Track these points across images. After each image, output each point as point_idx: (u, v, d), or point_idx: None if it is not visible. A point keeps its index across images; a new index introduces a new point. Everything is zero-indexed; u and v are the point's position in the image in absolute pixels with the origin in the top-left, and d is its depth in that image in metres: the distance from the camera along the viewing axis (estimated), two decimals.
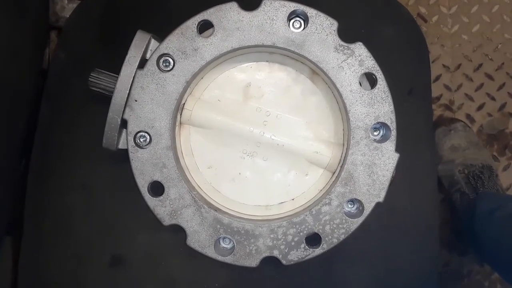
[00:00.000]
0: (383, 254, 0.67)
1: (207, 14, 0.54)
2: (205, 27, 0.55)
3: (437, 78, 1.27)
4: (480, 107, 1.27)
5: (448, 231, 1.20)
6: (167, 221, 0.55)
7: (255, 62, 0.59)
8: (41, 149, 0.68)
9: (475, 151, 1.15)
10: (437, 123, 1.20)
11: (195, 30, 0.54)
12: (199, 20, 0.54)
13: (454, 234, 1.19)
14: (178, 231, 0.55)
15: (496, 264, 0.95)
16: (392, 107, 0.54)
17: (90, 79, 0.57)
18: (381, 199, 0.54)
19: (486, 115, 1.27)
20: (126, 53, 0.54)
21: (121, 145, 0.56)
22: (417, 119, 0.67)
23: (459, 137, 1.16)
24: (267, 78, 0.60)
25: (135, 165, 0.55)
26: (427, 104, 0.69)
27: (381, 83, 0.54)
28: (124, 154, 0.56)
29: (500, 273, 1.01)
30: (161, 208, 0.55)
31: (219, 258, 0.55)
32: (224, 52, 0.54)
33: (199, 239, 0.55)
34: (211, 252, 0.55)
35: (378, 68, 0.54)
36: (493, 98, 1.27)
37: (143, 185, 0.55)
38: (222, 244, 0.56)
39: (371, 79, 0.56)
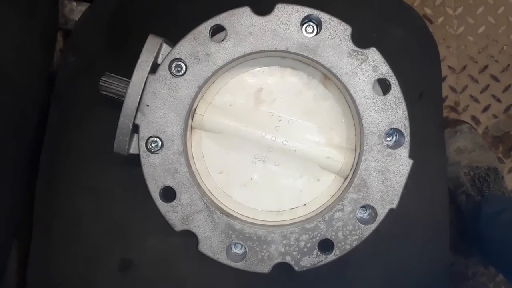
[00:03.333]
0: (394, 258, 0.67)
1: (220, 19, 0.53)
2: (217, 30, 0.55)
3: (443, 79, 1.26)
4: (485, 109, 1.26)
5: (453, 232, 1.20)
6: (179, 226, 0.55)
7: (267, 67, 0.59)
8: (50, 152, 0.68)
9: (480, 153, 1.15)
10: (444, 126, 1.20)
11: (208, 35, 0.54)
12: (211, 25, 0.53)
13: (459, 235, 1.18)
14: (188, 235, 0.55)
15: (501, 266, 0.95)
16: (406, 113, 0.54)
17: (101, 83, 0.57)
18: (394, 205, 0.54)
19: (491, 117, 1.27)
20: (136, 57, 0.53)
21: (132, 150, 0.56)
22: (428, 123, 0.67)
23: (465, 139, 1.16)
24: (279, 83, 0.59)
25: (147, 170, 0.54)
26: (438, 108, 0.69)
27: (395, 89, 0.54)
28: (134, 158, 0.55)
29: (505, 275, 1.01)
30: (173, 213, 0.55)
31: (231, 264, 0.55)
32: (236, 57, 0.54)
33: (211, 245, 0.55)
34: (223, 258, 0.54)
35: (392, 74, 0.54)
36: (498, 100, 1.26)
37: (154, 190, 0.54)
38: (234, 250, 0.56)
39: (383, 85, 0.55)
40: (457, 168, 1.14)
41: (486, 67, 1.27)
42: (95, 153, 0.67)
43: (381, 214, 0.54)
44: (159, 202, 0.54)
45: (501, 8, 1.29)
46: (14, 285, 0.75)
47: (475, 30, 1.29)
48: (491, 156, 1.16)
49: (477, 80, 1.27)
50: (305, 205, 0.59)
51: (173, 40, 0.55)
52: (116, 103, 0.54)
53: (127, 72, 0.54)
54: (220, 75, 0.58)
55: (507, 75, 1.27)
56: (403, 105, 0.54)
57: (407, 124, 0.54)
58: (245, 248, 0.55)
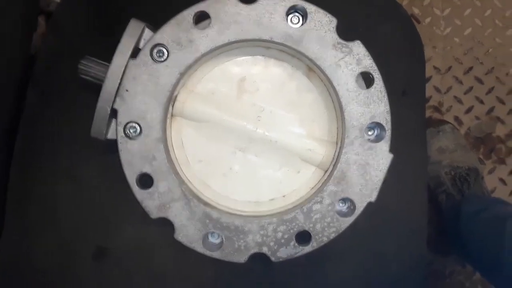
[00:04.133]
0: (371, 252, 0.67)
1: (205, 5, 0.53)
2: (201, 18, 0.54)
3: (428, 79, 1.27)
4: (468, 110, 1.28)
5: (432, 231, 1.21)
6: (155, 214, 0.54)
7: (251, 56, 0.58)
8: (26, 136, 0.66)
9: (462, 154, 1.16)
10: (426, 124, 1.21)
11: (191, 21, 0.53)
12: (195, 11, 0.53)
13: (438, 234, 1.20)
14: (166, 224, 0.54)
15: (479, 264, 0.96)
16: (388, 107, 0.54)
17: (80, 66, 0.55)
18: (373, 199, 0.54)
19: (474, 118, 1.28)
20: (118, 42, 0.53)
21: (110, 135, 0.55)
22: (410, 120, 0.67)
23: (447, 139, 1.17)
24: (262, 73, 0.59)
25: (124, 156, 0.53)
26: (421, 106, 0.69)
27: (378, 83, 0.54)
28: (112, 145, 0.54)
29: (482, 273, 1.02)
30: (149, 200, 0.54)
31: (207, 253, 0.54)
32: (220, 45, 0.53)
33: (187, 233, 0.54)
34: (199, 247, 0.54)
35: (375, 67, 0.53)
36: (481, 102, 1.28)
37: (131, 176, 0.54)
38: (211, 239, 0.55)
39: (367, 78, 0.55)
40: (438, 167, 1.15)
41: (470, 68, 1.29)
42: (73, 138, 0.65)
43: (360, 207, 0.54)
44: (136, 189, 0.53)
45: (488, 10, 1.30)
46: None
47: (461, 32, 1.30)
48: (472, 157, 1.18)
49: (461, 81, 1.29)
50: (284, 196, 0.59)
51: (156, 25, 0.54)
52: (97, 88, 0.53)
53: (109, 56, 0.52)
54: (203, 63, 0.57)
55: (491, 78, 1.29)
56: (385, 99, 0.54)
57: (389, 118, 0.54)
58: (222, 238, 0.54)
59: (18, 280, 0.65)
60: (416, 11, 1.30)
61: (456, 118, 1.28)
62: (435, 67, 1.28)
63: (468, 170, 1.11)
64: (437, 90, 1.28)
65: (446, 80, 1.29)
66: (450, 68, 1.29)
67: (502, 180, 1.27)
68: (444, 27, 1.31)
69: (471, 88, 1.28)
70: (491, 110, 1.28)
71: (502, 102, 1.28)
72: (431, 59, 1.29)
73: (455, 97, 1.28)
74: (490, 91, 1.28)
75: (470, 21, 1.30)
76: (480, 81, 1.28)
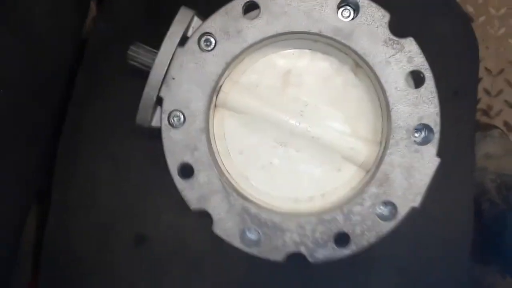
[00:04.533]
0: (412, 260, 0.65)
1: None
2: (251, 7, 0.53)
3: (478, 81, 1.22)
4: None
5: (473, 239, 1.17)
6: (194, 205, 0.54)
7: (297, 49, 0.57)
8: (74, 119, 0.68)
9: (510, 161, 1.11)
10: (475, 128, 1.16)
11: (241, 11, 0.52)
12: (245, 1, 0.52)
13: (479, 243, 1.15)
14: (204, 215, 0.54)
15: None
16: (438, 109, 0.52)
17: (129, 52, 0.56)
18: (416, 204, 0.52)
19: None
20: (168, 29, 0.53)
21: (155, 123, 0.55)
22: (460, 123, 0.64)
23: (495, 144, 1.12)
24: (308, 67, 0.58)
25: (167, 144, 0.54)
26: (472, 109, 0.66)
27: (429, 82, 0.51)
28: (156, 132, 0.55)
29: None
30: (189, 191, 0.54)
31: (245, 248, 0.53)
32: (268, 36, 0.52)
33: (225, 227, 0.54)
34: (236, 242, 0.53)
35: (427, 66, 0.51)
36: None
37: (173, 165, 0.54)
38: (248, 235, 0.54)
39: (417, 77, 0.53)
40: (484, 173, 1.10)
41: None
42: (118, 123, 0.66)
43: (402, 212, 0.52)
44: (177, 178, 0.54)
45: None
46: (30, 248, 0.76)
47: None
48: None
49: None
50: (323, 195, 0.58)
51: (205, 14, 0.54)
52: (145, 75, 0.53)
53: (159, 44, 0.53)
54: (249, 54, 0.56)
55: None
56: (435, 101, 0.52)
57: (438, 120, 0.52)
58: (260, 234, 0.53)
59: (59, 263, 0.67)
60: (470, 9, 1.25)
61: (506, 123, 1.22)
62: (486, 69, 1.23)
63: None
64: (487, 92, 1.23)
65: (497, 82, 1.23)
66: (502, 70, 1.23)
67: None
68: (499, 27, 1.25)
69: None
70: None
71: None
72: (483, 60, 1.23)
73: (505, 101, 1.23)
74: None
75: None
76: None
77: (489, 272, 1.16)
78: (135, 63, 0.55)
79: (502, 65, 1.23)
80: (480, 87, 1.22)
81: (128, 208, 0.67)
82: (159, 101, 0.54)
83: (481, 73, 1.23)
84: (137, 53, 0.55)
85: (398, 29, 0.52)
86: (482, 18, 1.24)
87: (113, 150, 0.67)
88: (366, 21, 0.51)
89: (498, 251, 1.02)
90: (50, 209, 0.67)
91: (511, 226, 0.93)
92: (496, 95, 1.23)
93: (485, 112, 1.22)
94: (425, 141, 0.53)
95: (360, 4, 0.51)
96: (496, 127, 1.16)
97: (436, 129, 0.52)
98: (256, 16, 0.52)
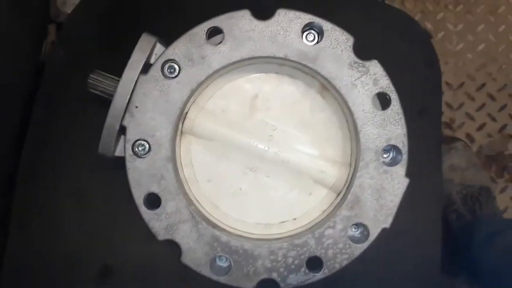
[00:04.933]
0: (383, 279, 0.65)
1: (218, 21, 0.51)
2: (214, 32, 0.53)
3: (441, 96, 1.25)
4: (480, 127, 1.25)
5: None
6: (162, 235, 0.52)
7: (264, 73, 0.57)
8: (32, 149, 0.65)
9: (474, 172, 1.14)
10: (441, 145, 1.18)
11: (204, 36, 0.51)
12: (209, 27, 0.51)
13: (446, 253, 1.17)
14: (173, 245, 0.52)
15: None
16: (405, 130, 0.52)
17: (89, 80, 0.54)
18: (387, 225, 0.52)
19: (486, 135, 1.25)
20: (129, 56, 0.51)
21: (118, 153, 0.53)
22: (426, 141, 0.65)
23: (459, 156, 1.15)
24: (275, 91, 0.57)
25: (132, 175, 0.52)
26: (437, 126, 0.67)
27: (395, 104, 0.52)
28: (120, 161, 0.53)
29: None
30: (156, 221, 0.52)
31: (214, 277, 0.52)
32: (232, 61, 0.52)
33: (195, 256, 0.52)
34: (206, 271, 0.52)
35: (392, 88, 0.52)
36: (494, 119, 1.25)
37: (139, 196, 0.52)
38: (219, 263, 0.53)
39: (383, 99, 0.53)
40: (450, 185, 1.13)
41: (483, 85, 1.26)
42: (80, 153, 0.64)
43: (374, 233, 0.52)
44: (143, 209, 0.52)
45: (502, 26, 1.28)
46: None
47: (474, 48, 1.28)
48: (484, 176, 1.15)
49: (473, 97, 1.26)
50: (295, 219, 0.57)
51: (167, 40, 0.53)
52: (106, 103, 0.52)
53: (119, 70, 0.51)
54: (214, 79, 0.56)
55: (504, 95, 1.26)
56: (402, 122, 0.52)
57: (406, 141, 0.52)
58: (230, 262, 0.52)
59: None
60: (428, 25, 1.28)
61: (468, 135, 1.25)
62: (447, 83, 1.26)
63: (480, 190, 1.09)
64: (449, 106, 1.26)
65: (458, 96, 1.27)
66: (462, 84, 1.27)
67: None
68: (457, 42, 1.29)
69: (483, 105, 1.26)
70: (503, 127, 1.25)
71: None
72: (443, 75, 1.26)
73: (467, 113, 1.26)
74: (502, 108, 1.26)
75: (483, 36, 1.28)
76: (492, 98, 1.26)
77: (457, 283, 1.18)
78: (96, 91, 0.54)
79: (461, 79, 1.27)
80: (442, 101, 1.25)
81: (94, 239, 0.64)
82: (122, 130, 0.52)
83: (442, 87, 1.26)
84: (98, 81, 0.53)
85: (362, 51, 0.52)
86: (440, 34, 1.28)
87: (76, 180, 0.64)
88: (331, 44, 0.51)
89: (466, 262, 1.03)
90: (7, 242, 0.64)
91: (478, 237, 0.95)
92: (457, 108, 1.26)
93: (448, 125, 1.25)
94: (393, 162, 0.53)
95: (324, 28, 0.51)
96: (459, 139, 1.19)
97: (404, 150, 0.52)
98: (220, 41, 0.51)
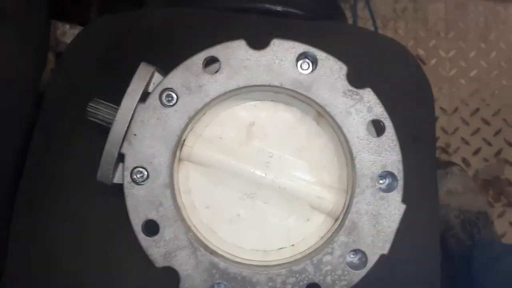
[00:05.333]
0: None
1: (214, 51, 0.52)
2: (210, 62, 0.54)
3: (435, 122, 1.27)
4: (476, 152, 1.27)
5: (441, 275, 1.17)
6: (160, 263, 0.52)
7: (259, 101, 0.58)
8: (31, 177, 0.65)
9: (471, 197, 1.14)
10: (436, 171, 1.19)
11: (201, 66, 0.53)
12: (205, 56, 0.52)
13: (446, 279, 1.16)
14: (171, 272, 0.52)
15: None
16: (400, 156, 0.53)
17: (88, 109, 0.55)
18: (385, 251, 0.52)
19: (482, 160, 1.27)
20: (127, 85, 0.52)
21: (117, 180, 0.54)
22: (421, 168, 0.66)
23: (456, 181, 1.15)
24: (271, 118, 0.58)
25: (130, 202, 0.52)
26: (432, 152, 0.68)
27: (390, 131, 0.53)
28: (118, 188, 0.53)
29: None
30: (155, 248, 0.52)
31: None
32: (229, 90, 0.53)
33: (193, 283, 0.52)
34: None
35: (386, 115, 0.53)
36: (489, 144, 1.27)
37: (137, 223, 0.52)
38: None
39: (378, 126, 0.54)
40: (447, 210, 1.13)
41: (477, 110, 1.28)
42: (78, 181, 0.64)
43: (372, 260, 0.52)
44: (141, 236, 0.52)
45: (493, 53, 1.31)
46: None
47: (467, 73, 1.31)
48: (481, 200, 1.16)
49: (468, 122, 1.28)
50: (293, 245, 0.57)
51: (165, 69, 0.54)
52: (104, 131, 0.52)
53: (117, 99, 0.52)
54: (211, 107, 0.57)
55: (498, 119, 1.28)
56: (397, 148, 0.53)
57: (401, 167, 0.53)
58: None
59: None
60: (421, 52, 1.31)
61: (464, 160, 1.26)
62: (441, 108, 1.28)
63: (478, 214, 1.09)
64: (444, 131, 1.27)
65: (452, 121, 1.29)
66: (456, 109, 1.29)
67: None
68: (450, 68, 1.32)
69: (478, 130, 1.28)
70: (499, 152, 1.27)
71: (510, 144, 1.27)
72: (438, 100, 1.29)
73: (462, 138, 1.28)
74: (497, 132, 1.27)
75: (475, 63, 1.31)
76: (487, 122, 1.28)
77: None
78: (94, 120, 0.55)
79: (456, 104, 1.29)
80: (437, 126, 1.27)
81: (91, 266, 0.64)
82: (120, 157, 0.52)
83: (437, 112, 1.28)
84: (97, 109, 0.54)
85: (355, 79, 0.53)
86: (433, 61, 1.31)
87: (74, 208, 0.64)
88: (325, 73, 0.53)
89: (465, 287, 1.03)
90: (4, 272, 0.63)
91: (476, 262, 0.95)
92: (452, 133, 1.28)
93: (444, 150, 1.27)
94: (390, 188, 0.53)
95: (318, 57, 0.52)
96: (455, 164, 1.20)
97: (400, 176, 0.53)
98: (217, 70, 0.53)
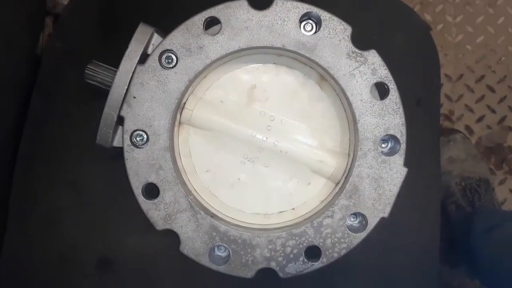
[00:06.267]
0: (382, 269, 0.65)
1: (215, 11, 0.51)
2: (211, 23, 0.52)
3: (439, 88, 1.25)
4: (479, 119, 1.25)
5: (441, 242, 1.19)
6: (160, 225, 0.52)
7: (261, 64, 0.57)
8: (30, 142, 0.65)
9: (473, 164, 1.14)
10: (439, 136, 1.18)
11: (201, 26, 0.51)
12: (206, 17, 0.51)
13: (447, 246, 1.17)
14: (171, 235, 0.52)
15: (490, 284, 0.94)
16: (403, 119, 0.52)
17: (86, 71, 0.54)
18: (386, 215, 0.52)
19: (485, 127, 1.26)
20: (126, 46, 0.51)
21: (116, 143, 0.53)
22: (424, 132, 0.65)
23: (458, 148, 1.15)
24: (273, 81, 0.57)
25: (130, 165, 0.52)
26: (435, 117, 0.67)
27: (393, 93, 0.52)
28: (118, 153, 0.53)
29: None
30: (155, 211, 0.52)
31: (213, 267, 0.52)
32: (230, 51, 0.52)
33: (193, 246, 0.52)
34: (205, 260, 0.52)
35: (391, 78, 0.52)
36: (493, 111, 1.25)
37: (137, 186, 0.52)
38: (217, 252, 0.53)
39: (381, 89, 0.53)
40: (448, 177, 1.13)
41: (482, 77, 1.26)
42: (78, 145, 0.64)
43: (372, 222, 0.52)
44: (141, 199, 0.52)
45: (501, 18, 1.28)
46: None
47: (473, 39, 1.27)
48: (483, 167, 1.15)
49: (473, 89, 1.26)
50: (293, 209, 0.57)
51: (165, 30, 0.52)
52: (103, 94, 0.52)
53: (117, 61, 0.51)
54: (212, 70, 0.56)
55: (503, 86, 1.26)
56: (400, 111, 0.52)
57: (404, 131, 0.52)
58: (229, 251, 0.52)
59: None
60: (428, 17, 1.28)
61: (467, 127, 1.25)
62: (446, 75, 1.26)
63: (479, 181, 1.09)
64: (448, 98, 1.26)
65: (457, 88, 1.27)
66: (461, 76, 1.27)
67: None
68: (456, 34, 1.29)
69: (482, 97, 1.26)
70: (502, 119, 1.25)
71: None
72: (443, 66, 1.26)
73: (466, 105, 1.26)
74: (502, 100, 1.26)
75: (482, 28, 1.28)
76: (492, 89, 1.26)
77: (457, 275, 1.19)
78: (93, 82, 0.54)
79: (461, 71, 1.27)
80: (441, 93, 1.25)
81: (91, 231, 0.64)
82: (120, 120, 0.52)
83: (442, 79, 1.26)
84: (95, 71, 0.53)
85: (360, 41, 0.52)
86: (440, 26, 1.28)
87: (73, 172, 0.64)
88: (329, 34, 0.51)
89: (465, 253, 1.04)
90: (5, 236, 0.64)
91: (477, 228, 0.95)
92: (456, 100, 1.26)
93: (447, 117, 1.25)
94: (392, 152, 0.53)
95: (322, 17, 0.51)
96: (458, 131, 1.19)
97: (402, 139, 0.52)
98: (218, 32, 0.51)
